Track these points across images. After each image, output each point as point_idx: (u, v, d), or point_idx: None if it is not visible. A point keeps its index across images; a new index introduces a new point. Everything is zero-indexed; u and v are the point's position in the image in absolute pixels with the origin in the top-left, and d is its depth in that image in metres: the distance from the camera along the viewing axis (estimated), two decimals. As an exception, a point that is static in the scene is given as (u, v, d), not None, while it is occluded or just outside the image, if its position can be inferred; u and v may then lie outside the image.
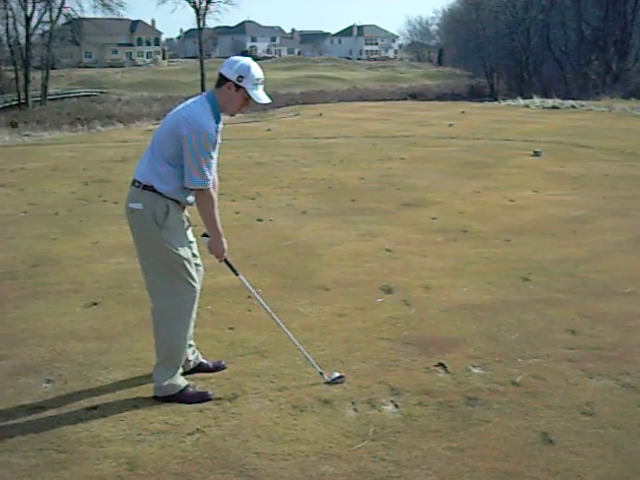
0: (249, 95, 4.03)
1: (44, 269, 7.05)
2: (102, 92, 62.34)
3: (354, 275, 6.82)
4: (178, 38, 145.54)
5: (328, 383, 4.42)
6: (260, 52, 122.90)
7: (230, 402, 4.21)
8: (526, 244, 7.98)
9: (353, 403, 4.19)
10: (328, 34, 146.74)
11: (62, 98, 55.58)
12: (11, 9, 50.18)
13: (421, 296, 6.16)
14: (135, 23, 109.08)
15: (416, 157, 15.44)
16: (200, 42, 65.04)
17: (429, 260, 7.36)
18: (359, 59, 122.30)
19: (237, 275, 4.44)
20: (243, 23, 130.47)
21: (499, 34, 60.66)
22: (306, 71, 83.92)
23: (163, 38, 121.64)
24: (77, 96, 57.67)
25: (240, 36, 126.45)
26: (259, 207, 10.22)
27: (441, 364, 4.73)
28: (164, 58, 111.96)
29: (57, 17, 53.25)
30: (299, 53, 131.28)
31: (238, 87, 4.00)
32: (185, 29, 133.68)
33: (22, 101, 49.21)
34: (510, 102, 35.35)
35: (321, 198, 10.91)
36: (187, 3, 65.08)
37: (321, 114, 28.40)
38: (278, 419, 4.00)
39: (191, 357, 4.53)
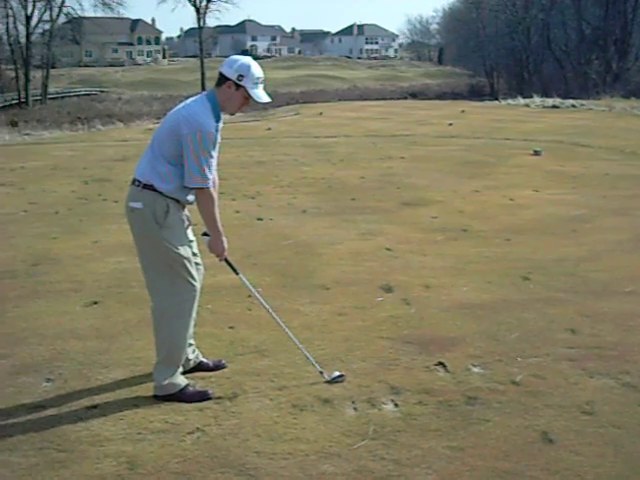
0: (249, 94, 4.03)
1: (44, 268, 7.05)
2: (102, 91, 62.32)
3: (354, 274, 6.82)
4: (178, 37, 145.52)
5: (328, 382, 4.42)
6: (260, 51, 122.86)
7: (230, 401, 4.21)
8: (526, 243, 7.98)
9: (353, 402, 4.19)
10: (328, 33, 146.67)
11: (62, 97, 55.57)
12: (11, 8, 50.20)
13: (421, 295, 6.16)
14: (135, 22, 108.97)
15: (416, 156, 15.44)
16: (200, 41, 65.01)
17: (429, 259, 7.36)
18: (359, 58, 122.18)
19: (237, 274, 4.44)
20: (243, 22, 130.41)
21: (499, 33, 60.65)
22: (306, 70, 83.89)
23: (163, 37, 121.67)
24: (77, 95, 57.66)
25: (240, 35, 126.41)
26: (259, 206, 10.22)
27: (441, 363, 4.73)
28: (164, 57, 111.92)
29: (57, 16, 53.26)
30: (299, 52, 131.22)
31: (238, 86, 4.00)
32: (185, 28, 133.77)
33: (22, 100, 49.19)
34: (510, 101, 35.37)
35: (321, 197, 10.91)
36: (187, 2, 65.08)
37: (321, 113, 28.41)
38: (278, 418, 4.00)
39: (191, 356, 4.53)
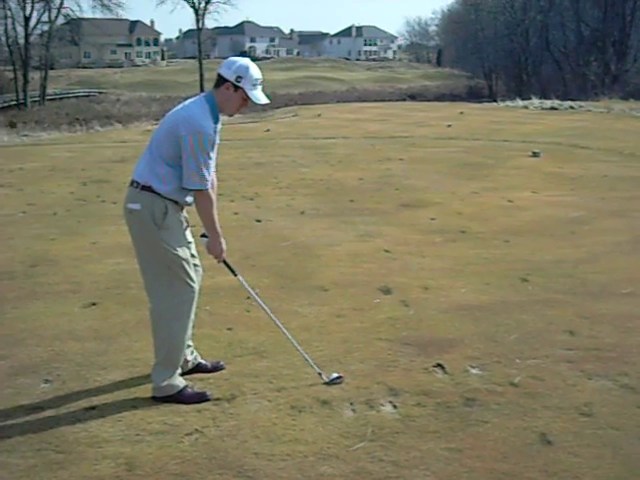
0: (247, 96, 4.03)
1: (42, 269, 7.05)
2: (101, 92, 62.40)
3: (352, 276, 6.82)
4: (177, 38, 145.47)
5: (326, 384, 4.42)
6: (259, 52, 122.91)
7: (229, 402, 4.21)
8: (524, 245, 7.99)
9: (351, 404, 4.19)
10: (327, 35, 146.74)
11: (61, 98, 55.64)
12: (10, 9, 50.34)
13: (420, 297, 6.16)
14: (134, 23, 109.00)
15: (415, 158, 15.44)
16: (199, 42, 65.11)
17: (428, 261, 7.36)
18: (358, 60, 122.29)
19: (236, 275, 4.44)
20: (242, 23, 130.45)
21: (498, 35, 60.78)
22: (305, 72, 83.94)
23: (162, 38, 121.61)
24: (76, 96, 57.73)
25: (239, 36, 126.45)
26: (258, 207, 10.21)
27: (439, 365, 4.73)
28: (163, 58, 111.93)
29: (56, 17, 53.39)
30: (298, 54, 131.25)
31: (237, 87, 4.01)
32: (184, 29, 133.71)
33: (21, 101, 49.28)
34: (509, 103, 35.34)
35: (320, 199, 10.91)
36: (186, 3, 65.36)
37: (320, 115, 28.39)
38: (276, 420, 4.00)
39: (190, 357, 4.53)
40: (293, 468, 3.53)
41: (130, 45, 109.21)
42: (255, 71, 4.04)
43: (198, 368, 4.60)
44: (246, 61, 4.06)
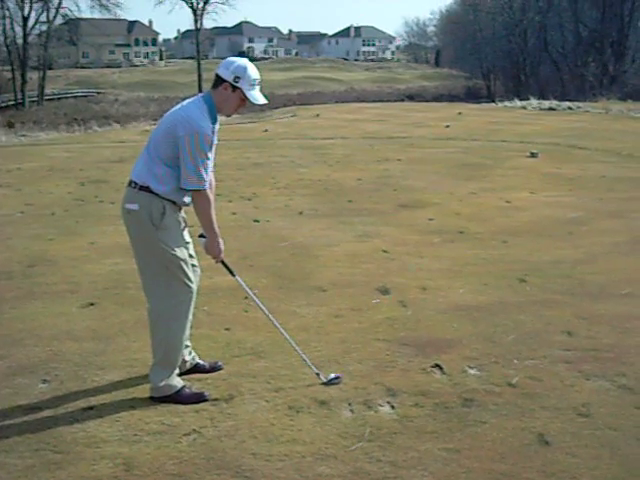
0: (246, 96, 4.03)
1: (41, 269, 7.05)
2: (99, 92, 62.34)
3: (351, 276, 6.82)
4: (175, 39, 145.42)
5: (324, 384, 4.42)
6: (257, 53, 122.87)
7: (226, 403, 4.21)
8: (522, 245, 7.99)
9: (349, 404, 4.19)
10: (325, 35, 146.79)
11: (59, 98, 55.60)
12: (8, 9, 50.31)
13: (418, 297, 6.17)
14: (132, 23, 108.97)
15: (413, 158, 15.44)
16: (197, 43, 65.12)
17: (426, 261, 7.36)
18: (356, 60, 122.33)
19: (234, 276, 4.43)
20: (240, 24, 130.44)
21: (496, 36, 60.77)
22: (303, 72, 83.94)
23: (160, 39, 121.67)
24: (74, 96, 57.69)
25: (237, 37, 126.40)
26: (256, 208, 10.21)
27: (437, 365, 4.73)
28: (161, 59, 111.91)
29: (54, 17, 53.36)
30: (296, 54, 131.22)
31: (234, 88, 4.01)
32: (182, 30, 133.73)
33: (19, 101, 49.23)
34: (507, 103, 35.32)
35: (318, 199, 10.91)
36: (184, 4, 65.29)
37: (318, 115, 28.38)
38: (274, 420, 4.00)
39: (187, 358, 4.53)
40: (291, 468, 3.53)
41: (128, 45, 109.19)
42: (253, 71, 4.04)
43: (196, 368, 4.60)
44: (244, 61, 4.06)
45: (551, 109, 30.17)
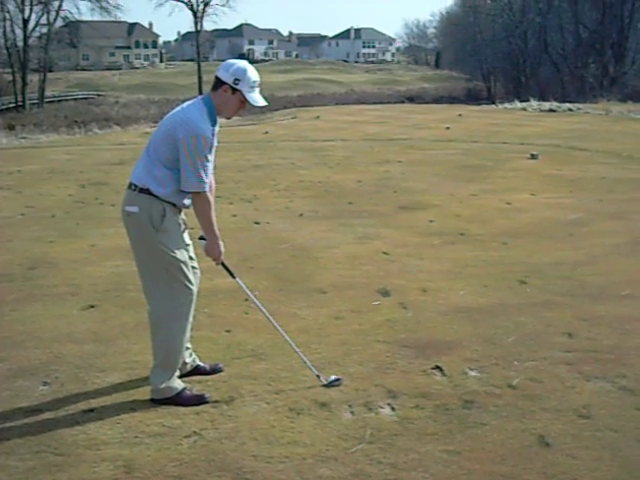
0: (245, 98, 4.03)
1: (41, 272, 7.05)
2: (99, 95, 62.43)
3: (351, 278, 6.82)
4: (176, 41, 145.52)
5: (325, 386, 4.42)
6: (257, 55, 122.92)
7: (227, 405, 4.21)
8: (523, 247, 7.99)
9: (350, 406, 4.19)
10: (325, 37, 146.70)
11: (59, 101, 55.67)
12: (8, 12, 50.37)
13: (418, 299, 6.17)
14: (132, 26, 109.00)
15: (413, 160, 15.44)
16: (197, 45, 65.16)
17: (426, 263, 7.36)
18: (356, 62, 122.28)
19: (234, 278, 4.44)
20: (240, 26, 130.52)
21: (496, 37, 60.76)
22: (303, 74, 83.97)
23: (160, 41, 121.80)
24: (74, 99, 57.77)
25: (237, 39, 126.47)
26: (256, 210, 10.22)
27: (438, 367, 4.73)
28: (161, 61, 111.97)
29: (54, 20, 53.42)
30: (296, 56, 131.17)
31: (234, 90, 4.01)
32: (183, 32, 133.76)
33: (19, 104, 49.27)
34: (507, 105, 35.31)
35: (318, 201, 10.91)
36: (185, 6, 65.31)
37: (318, 117, 28.38)
38: (275, 422, 4.00)
39: (188, 360, 4.53)
40: (291, 470, 3.53)
41: (128, 47, 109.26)
42: (253, 73, 4.04)
43: (196, 370, 4.60)
44: (244, 63, 4.07)
45: (551, 111, 30.16)
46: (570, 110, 29.92)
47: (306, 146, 18.41)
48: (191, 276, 4.18)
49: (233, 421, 4.01)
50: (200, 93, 50.47)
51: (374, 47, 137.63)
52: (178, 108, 4.14)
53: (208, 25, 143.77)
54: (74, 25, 57.10)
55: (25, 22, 50.56)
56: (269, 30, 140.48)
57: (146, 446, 3.75)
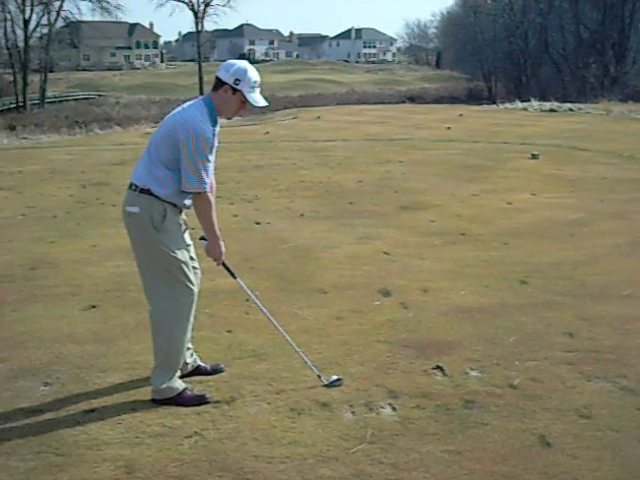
0: (246, 98, 4.03)
1: (42, 272, 7.05)
2: (100, 95, 62.47)
3: (352, 278, 6.82)
4: (176, 41, 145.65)
5: (326, 386, 4.42)
6: (258, 55, 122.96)
7: (228, 405, 4.21)
8: (524, 247, 7.99)
9: (351, 406, 4.19)
10: (326, 37, 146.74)
11: (60, 101, 55.70)
12: (9, 12, 50.41)
13: (419, 299, 6.17)
14: (133, 26, 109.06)
15: (414, 160, 15.44)
16: (198, 45, 65.16)
17: (427, 263, 7.36)
18: (357, 62, 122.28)
19: (235, 278, 4.44)
20: (241, 26, 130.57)
21: (497, 37, 60.77)
22: (304, 74, 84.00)
23: (161, 41, 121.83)
24: (75, 99, 57.81)
25: (238, 39, 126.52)
26: (257, 210, 10.22)
27: (439, 367, 4.73)
28: (162, 61, 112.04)
29: (55, 20, 53.44)
30: (297, 56, 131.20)
31: (235, 90, 4.01)
32: (183, 32, 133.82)
33: (20, 104, 49.30)
34: (508, 105, 35.33)
35: (319, 201, 10.91)
36: (185, 6, 65.33)
37: (319, 117, 28.38)
38: (276, 422, 4.00)
39: (189, 360, 4.53)
40: (292, 470, 3.53)
41: (129, 48, 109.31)
42: (253, 74, 4.04)
43: (197, 371, 4.60)
44: (244, 64, 4.06)
45: (552, 110, 30.17)
46: (571, 110, 29.93)
47: (307, 146, 18.41)
48: (192, 276, 4.18)
49: (234, 421, 4.02)
50: (201, 93, 50.49)
51: (375, 47, 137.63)
52: (179, 108, 4.14)
53: (209, 25, 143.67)
54: (75, 25, 57.12)
55: (26, 22, 50.61)
56: (270, 30, 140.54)
57: (147, 446, 3.76)
